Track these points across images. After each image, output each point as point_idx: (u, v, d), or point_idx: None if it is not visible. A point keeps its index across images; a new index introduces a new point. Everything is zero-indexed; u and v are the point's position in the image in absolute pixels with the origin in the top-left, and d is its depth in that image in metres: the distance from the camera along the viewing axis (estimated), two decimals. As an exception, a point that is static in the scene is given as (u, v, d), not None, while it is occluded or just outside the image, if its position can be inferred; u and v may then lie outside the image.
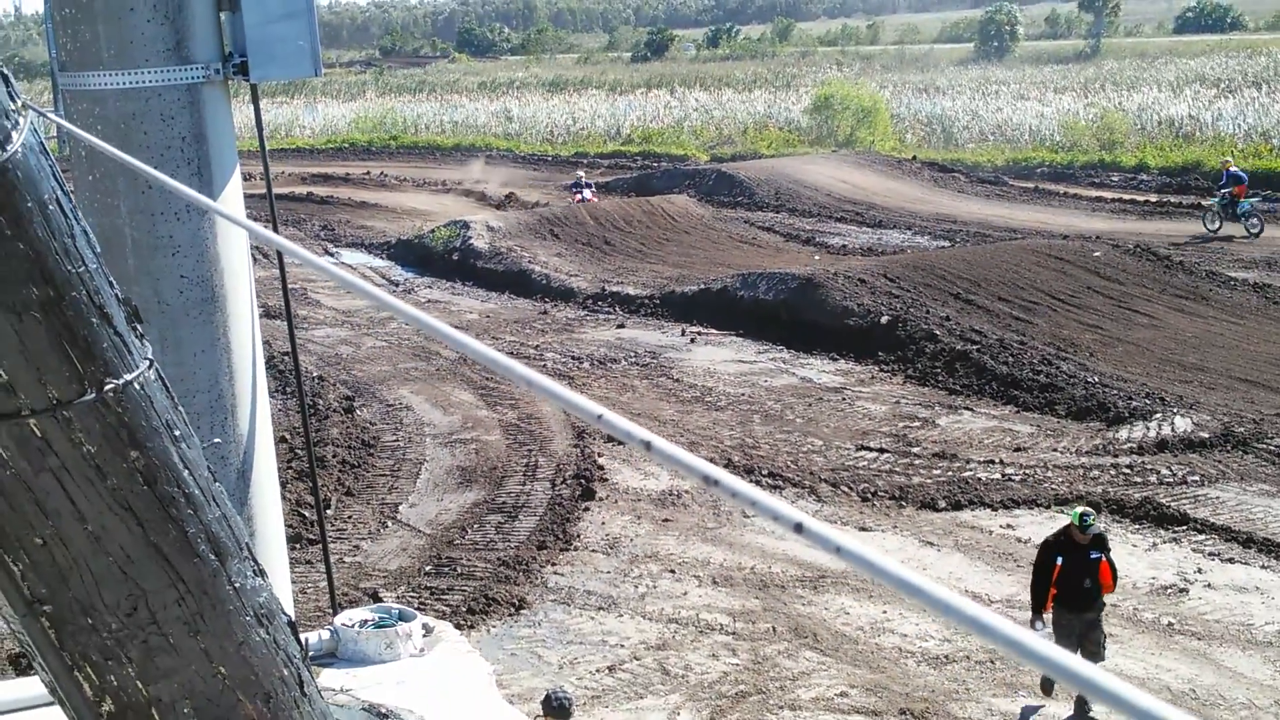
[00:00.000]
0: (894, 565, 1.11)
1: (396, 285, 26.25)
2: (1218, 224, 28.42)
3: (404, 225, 34.32)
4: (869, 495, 13.75)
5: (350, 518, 13.68)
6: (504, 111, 63.09)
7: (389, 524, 13.52)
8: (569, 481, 14.24)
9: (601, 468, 14.67)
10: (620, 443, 15.44)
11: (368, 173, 46.55)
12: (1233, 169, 28.99)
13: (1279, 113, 43.08)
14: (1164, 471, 14.01)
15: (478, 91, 76.90)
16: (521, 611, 11.33)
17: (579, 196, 34.06)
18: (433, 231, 30.44)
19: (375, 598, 11.28)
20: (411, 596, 11.44)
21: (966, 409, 16.79)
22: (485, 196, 39.63)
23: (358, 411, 17.34)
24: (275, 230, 4.34)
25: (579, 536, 12.87)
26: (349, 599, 11.17)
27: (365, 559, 12.64)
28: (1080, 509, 10.00)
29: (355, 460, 15.36)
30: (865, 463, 14.83)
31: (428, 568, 12.34)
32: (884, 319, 19.97)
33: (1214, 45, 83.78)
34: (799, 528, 1.17)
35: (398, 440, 16.23)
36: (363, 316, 23.43)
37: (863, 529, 12.83)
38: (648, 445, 1.39)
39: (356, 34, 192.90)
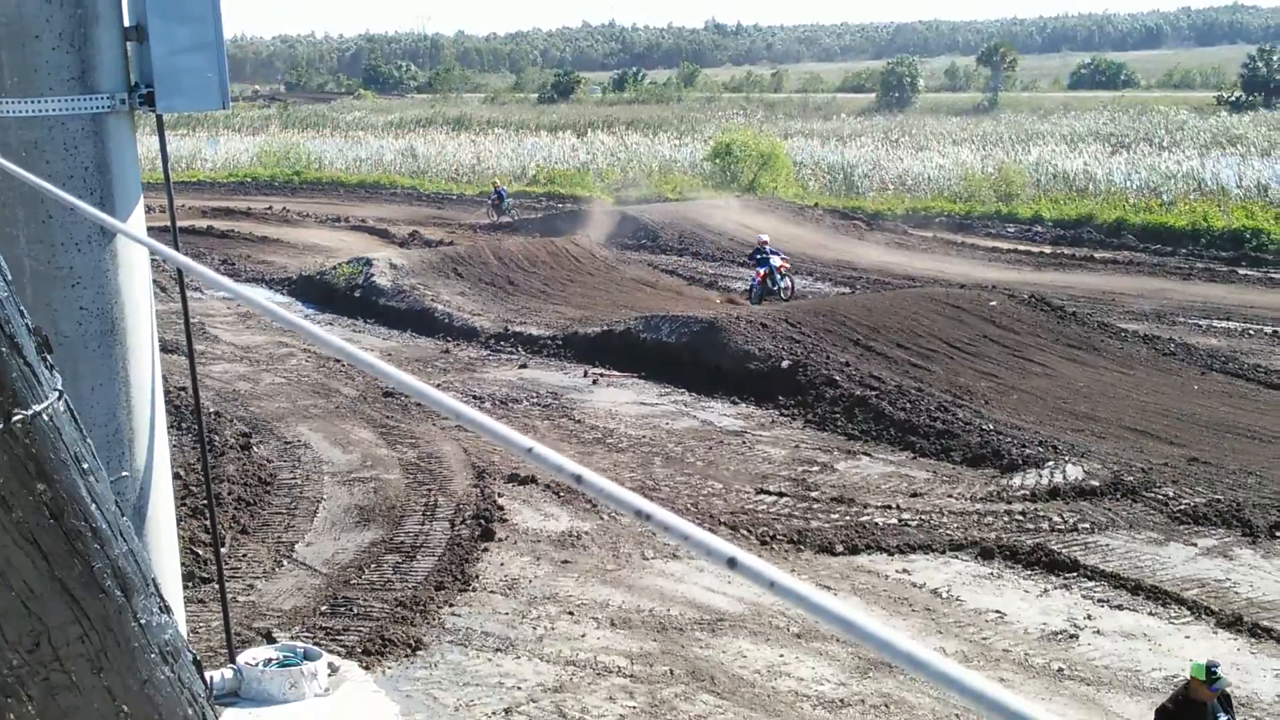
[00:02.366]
0: (828, 600, 1.14)
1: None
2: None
3: (306, 261, 34.06)
4: (768, 539, 13.83)
5: (245, 556, 13.49)
6: (409, 149, 62.88)
7: (284, 563, 13.36)
8: (468, 521, 14.17)
9: (501, 508, 14.61)
10: (521, 483, 15.42)
11: (270, 208, 46.16)
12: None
13: (1168, 169, 44.21)
14: (1056, 518, 14.25)
15: (383, 129, 76.61)
16: (418, 653, 11.23)
17: (495, 203, 35.91)
18: (335, 268, 30.23)
19: (269, 638, 11.12)
20: (306, 636, 11.29)
21: (865, 454, 16.97)
22: (389, 234, 39.44)
23: (255, 448, 17.12)
24: (180, 271, 4.29)
25: (477, 577, 12.80)
26: (242, 639, 10.99)
27: (259, 598, 12.47)
28: (1206, 661, 8.50)
29: (251, 498, 15.16)
30: (764, 506, 14.92)
31: (323, 608, 12.19)
32: (785, 363, 20.14)
33: (1107, 101, 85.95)
34: (732, 563, 1.19)
35: (295, 478, 16.05)
36: (262, 352, 23.18)
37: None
38: (578, 478, 1.41)
39: (261, 68, 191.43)
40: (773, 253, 27.88)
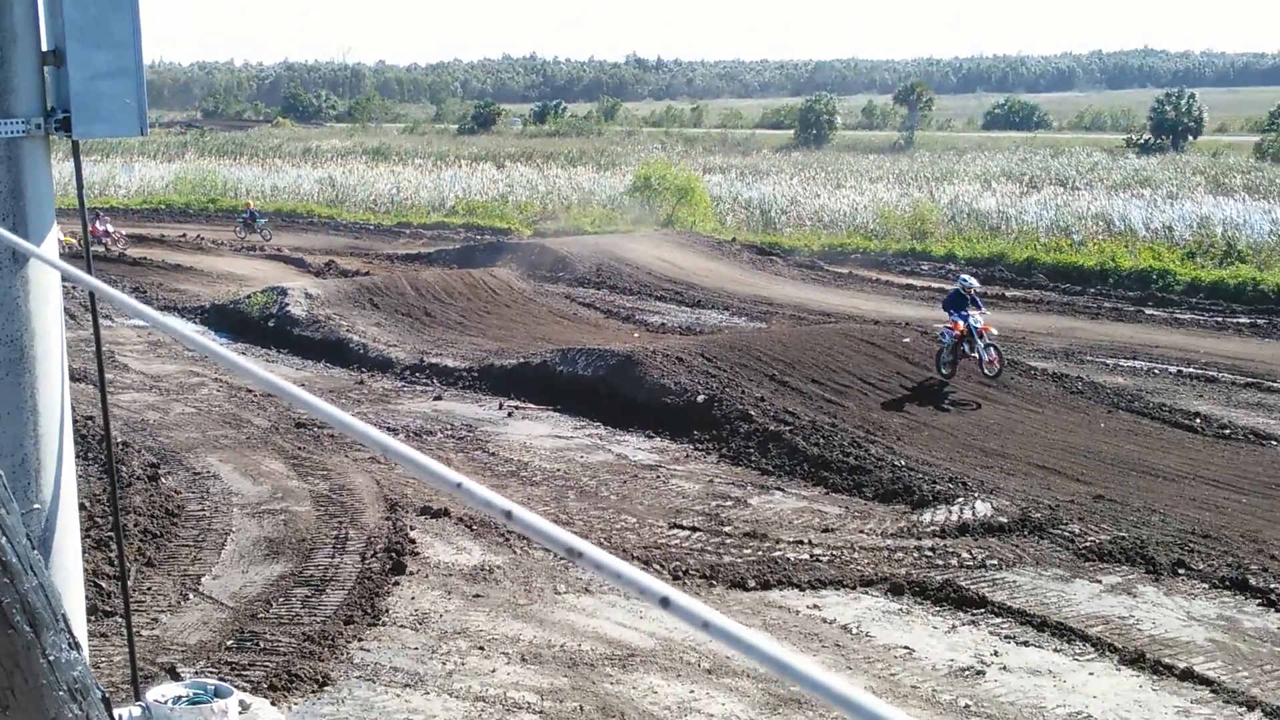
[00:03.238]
0: (762, 642, 1.16)
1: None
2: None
3: (219, 290, 33.72)
4: (680, 574, 13.86)
5: (150, 589, 13.29)
6: (327, 179, 62.53)
7: (190, 596, 13.18)
8: (379, 555, 14.06)
9: (414, 541, 14.52)
10: (434, 516, 15.34)
11: (184, 235, 45.71)
12: None
13: (1079, 210, 45.01)
14: (964, 555, 14.41)
15: (301, 157, 76.09)
16: (325, 688, 11.11)
17: (247, 222, 43.73)
18: (249, 297, 29.96)
19: (173, 673, 10.97)
20: (211, 671, 11.14)
21: (778, 489, 17.08)
22: (305, 263, 39.16)
23: (163, 479, 16.90)
24: (93, 298, 4.21)
25: (387, 611, 12.70)
26: (145, 674, 10.83)
27: (164, 632, 12.29)
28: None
29: (158, 530, 14.95)
30: (678, 541, 14.96)
31: (229, 642, 12.03)
32: (700, 398, 20.24)
33: (1020, 141, 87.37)
34: (665, 602, 1.21)
35: (203, 510, 15.85)
36: (172, 381, 22.90)
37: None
38: (508, 514, 1.42)
39: (178, 94, 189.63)
40: (976, 303, 22.31)
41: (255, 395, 21.68)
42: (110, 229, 41.51)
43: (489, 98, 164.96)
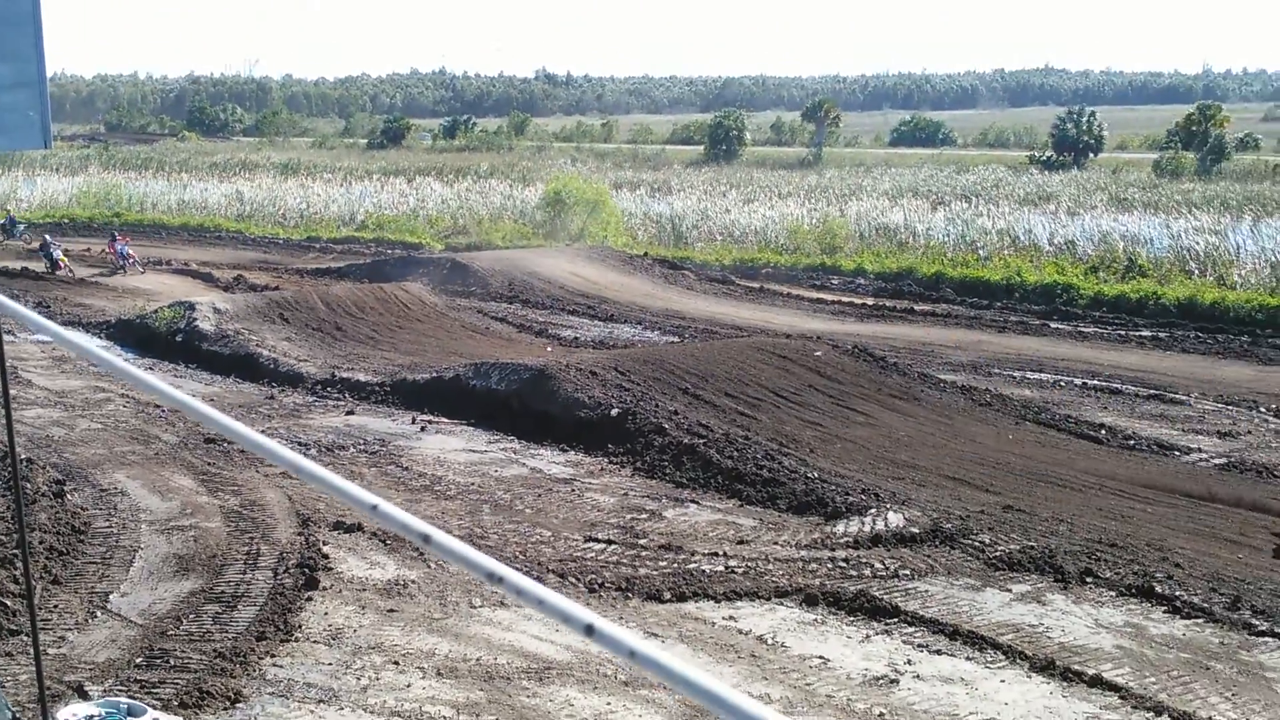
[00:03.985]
0: (687, 670, 1.15)
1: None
2: None
3: (125, 305, 33.21)
4: (596, 586, 13.84)
5: (56, 607, 13.03)
6: (235, 193, 61.85)
7: (98, 614, 12.94)
8: (291, 570, 13.90)
9: (327, 556, 14.38)
10: (347, 530, 15.20)
11: (88, 249, 44.94)
12: None
13: (985, 225, 45.64)
14: (878, 565, 14.53)
15: (208, 171, 75.20)
16: (237, 705, 10.96)
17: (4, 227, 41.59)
18: (156, 312, 29.52)
19: (81, 691, 10.76)
20: (120, 689, 10.94)
21: (693, 502, 17.11)
22: (213, 278, 38.69)
23: (69, 496, 16.59)
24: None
25: (300, 627, 12.56)
26: (52, 693, 10.61)
27: (71, 650, 12.05)
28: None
29: (64, 547, 14.67)
30: (593, 554, 14.94)
31: (138, 659, 11.83)
32: (614, 411, 20.24)
33: (926, 158, 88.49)
34: (589, 630, 1.19)
35: (111, 526, 15.58)
36: (78, 397, 22.50)
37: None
38: (426, 538, 1.40)
39: (80, 107, 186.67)
40: None
41: (163, 411, 21.36)
42: (129, 251, 40.47)
43: (398, 112, 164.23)
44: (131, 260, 40.03)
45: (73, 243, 46.72)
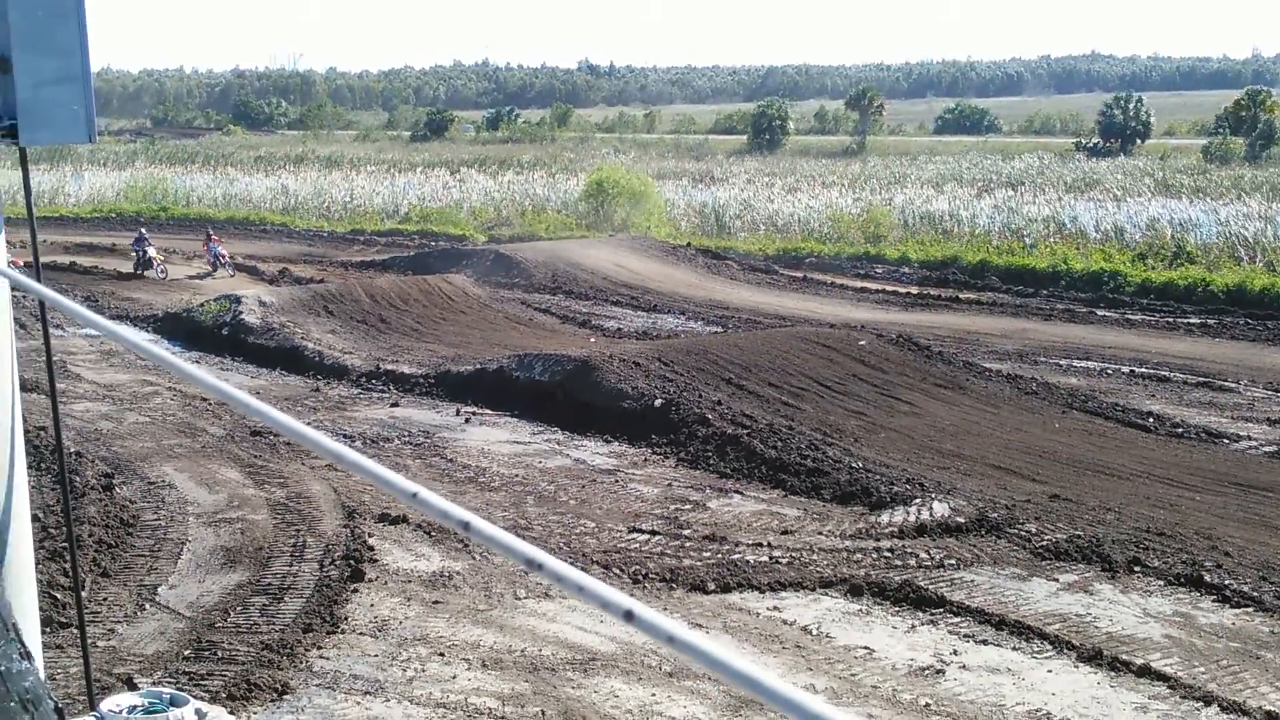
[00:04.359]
0: (726, 655, 1.14)
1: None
2: None
3: (172, 299, 33.47)
4: (640, 578, 13.85)
5: (105, 600, 13.16)
6: (280, 186, 62.21)
7: (147, 606, 13.05)
8: (337, 562, 13.98)
9: (372, 548, 14.45)
10: (392, 523, 15.27)
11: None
12: None
13: (1030, 213, 45.33)
14: (923, 555, 14.47)
15: (253, 165, 75.66)
16: (284, 697, 11.04)
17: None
18: (202, 305, 29.75)
19: (130, 683, 10.86)
20: (169, 682, 11.04)
21: (736, 492, 17.09)
22: (258, 271, 38.93)
23: (117, 489, 16.74)
24: (43, 306, 4.19)
25: (346, 619, 12.63)
26: (102, 685, 10.72)
27: (120, 643, 12.17)
28: None
29: (113, 540, 14.81)
30: (637, 545, 14.94)
31: (186, 652, 11.93)
32: (657, 402, 20.23)
33: (971, 146, 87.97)
34: (629, 615, 1.18)
35: (159, 519, 15.71)
36: (126, 391, 22.70)
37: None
38: (466, 525, 1.40)
39: (128, 102, 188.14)
40: None
41: (210, 404, 21.52)
42: (223, 251, 38.65)
43: (441, 104, 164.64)
44: (224, 260, 38.29)
45: (120, 237, 47.13)
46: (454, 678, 11.36)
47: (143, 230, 40.37)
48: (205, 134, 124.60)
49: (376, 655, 11.82)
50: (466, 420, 20.96)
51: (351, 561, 13.93)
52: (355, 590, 13.32)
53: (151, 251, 37.79)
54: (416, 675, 11.40)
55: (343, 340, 27.08)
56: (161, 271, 37.47)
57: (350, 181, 63.44)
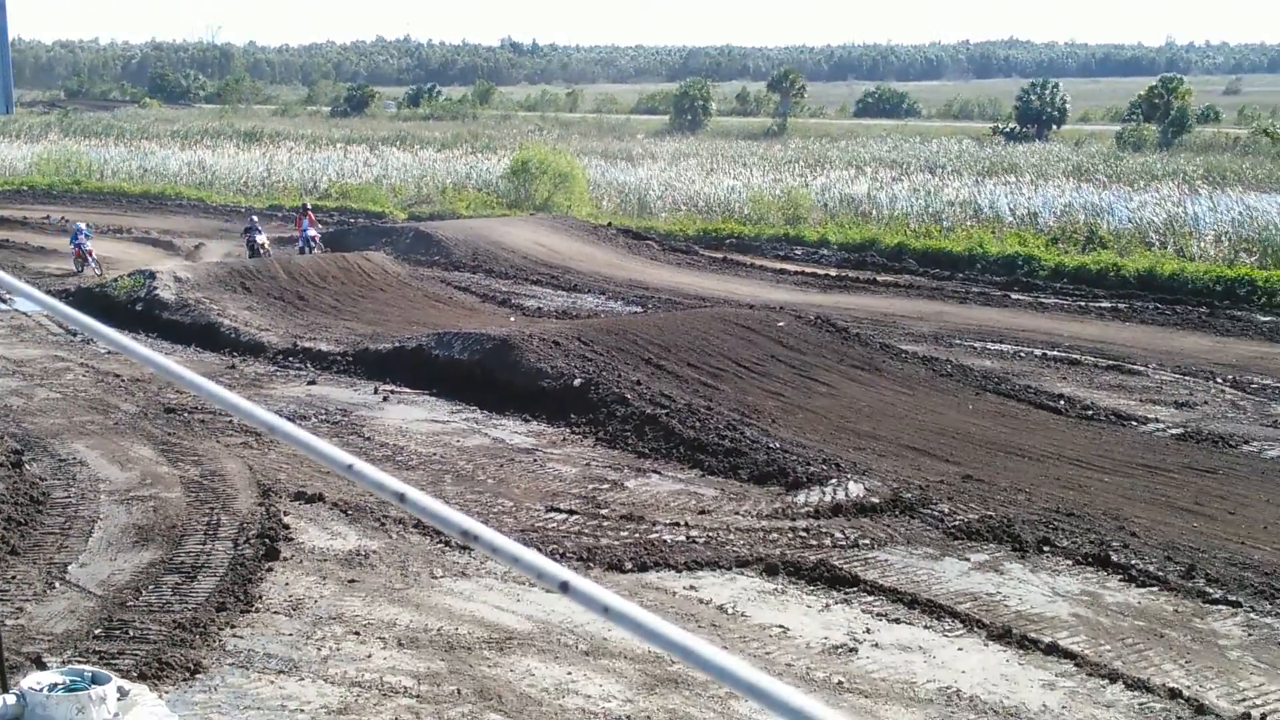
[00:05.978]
0: (664, 627, 1.16)
1: (75, 335, 24.89)
2: None
3: (85, 273, 32.94)
4: (558, 556, 13.86)
5: (14, 578, 12.98)
6: (197, 160, 61.37)
7: (57, 585, 12.89)
8: (252, 541, 13.87)
9: (287, 527, 14.35)
10: (308, 501, 15.18)
11: (47, 217, 44.63)
12: None
13: (948, 196, 45.76)
14: (838, 535, 14.62)
15: (169, 138, 74.57)
16: (197, 676, 10.95)
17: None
18: (116, 280, 29.33)
19: (39, 663, 10.72)
20: (79, 660, 10.91)
21: (654, 472, 17.15)
22: (174, 246, 38.43)
23: (27, 466, 16.49)
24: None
25: (261, 598, 12.54)
26: (10, 665, 10.58)
27: (29, 621, 12.01)
28: None
29: (22, 517, 14.59)
30: (554, 524, 14.97)
31: (97, 630, 11.80)
32: (577, 381, 20.25)
33: (890, 129, 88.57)
34: (565, 586, 1.20)
35: (69, 497, 15.50)
36: (36, 366, 22.34)
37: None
38: (401, 497, 1.41)
39: (41, 74, 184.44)
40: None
41: (123, 380, 21.25)
42: (91, 248, 33.78)
43: (362, 80, 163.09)
44: (90, 258, 33.51)
45: (32, 210, 46.29)
46: (369, 656, 11.33)
47: (254, 218, 37.18)
48: (121, 107, 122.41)
49: (291, 634, 11.75)
50: (385, 399, 20.86)
51: (266, 540, 13.83)
52: (270, 569, 13.23)
53: (261, 239, 34.83)
54: (331, 654, 11.35)
55: (260, 317, 26.83)
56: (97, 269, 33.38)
57: (269, 157, 62.73)
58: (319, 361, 23.28)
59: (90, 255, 33.61)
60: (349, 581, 13.04)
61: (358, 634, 11.79)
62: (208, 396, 1.73)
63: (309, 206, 33.92)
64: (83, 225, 35.13)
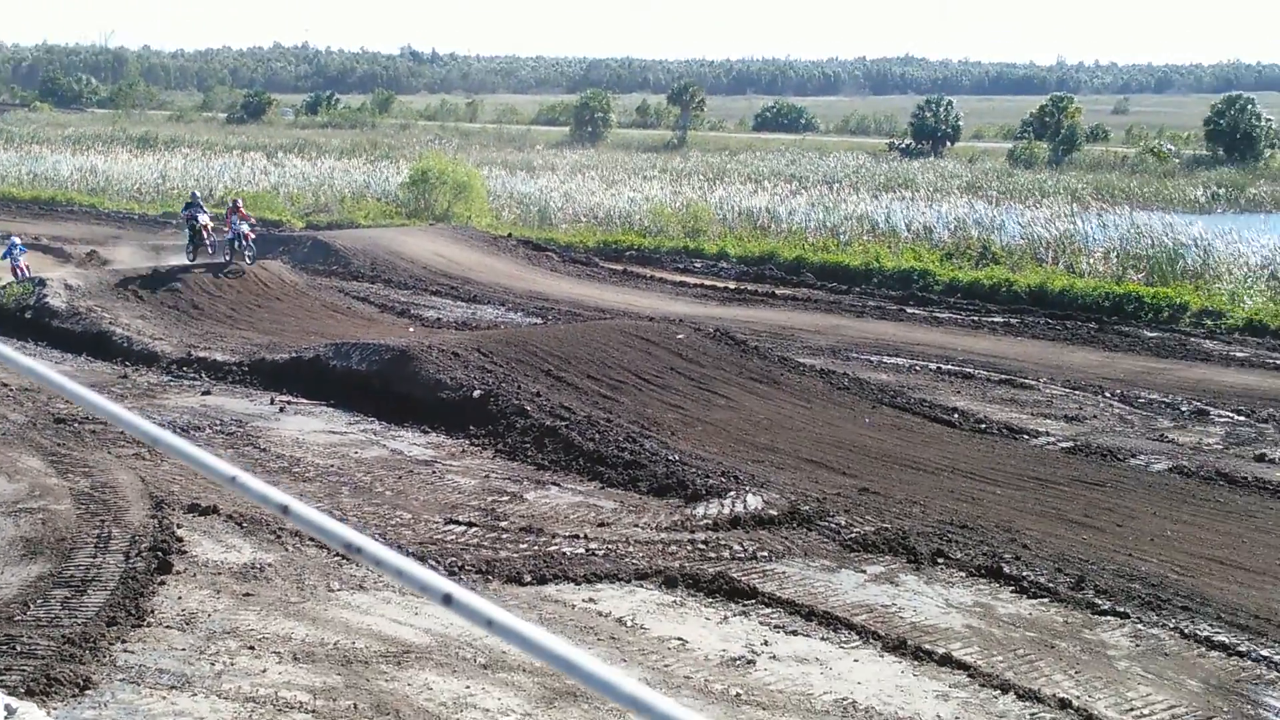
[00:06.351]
0: (548, 640, 1.17)
1: (-41, 343, 24.31)
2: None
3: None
4: (456, 569, 13.81)
5: (-103, 593, 12.64)
6: (89, 166, 60.29)
7: (-58, 599, 12.57)
8: (144, 554, 13.64)
9: (181, 540, 14.13)
10: (202, 513, 14.95)
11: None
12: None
13: (845, 210, 46.27)
14: (736, 547, 14.70)
15: (61, 143, 73.19)
16: (86, 691, 10.74)
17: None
18: (3, 288, 28.70)
19: (-77, 679, 10.46)
20: (-36, 677, 10.67)
21: (554, 484, 17.13)
22: (64, 253, 37.71)
23: (-90, 478, 16.08)
24: None
25: (153, 612, 12.33)
26: (-107, 681, 10.31)
27: (-87, 637, 11.70)
28: None
29: (-95, 530, 14.22)
30: (453, 536, 14.89)
31: (-16, 646, 11.53)
32: (476, 393, 20.17)
33: (788, 144, 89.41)
34: (448, 599, 1.21)
35: (-45, 509, 15.13)
36: (-81, 375, 21.79)
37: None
38: (285, 509, 1.41)
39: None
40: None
41: (10, 390, 20.80)
42: (245, 230, 30.68)
43: (259, 87, 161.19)
44: (248, 240, 30.80)
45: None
46: (264, 671, 11.19)
47: (196, 194, 34.47)
48: (10, 110, 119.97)
49: (184, 649, 11.57)
50: (281, 409, 20.63)
51: (159, 553, 13.60)
52: (162, 583, 13.02)
53: (204, 219, 32.24)
54: (225, 669, 11.19)
55: (153, 326, 26.40)
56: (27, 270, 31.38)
57: (163, 163, 61.79)
58: (214, 371, 22.97)
59: (26, 269, 31.12)
60: (244, 595, 12.87)
61: (252, 648, 11.63)
62: (88, 407, 1.71)
63: (240, 203, 31.54)
64: (17, 240, 32.75)
